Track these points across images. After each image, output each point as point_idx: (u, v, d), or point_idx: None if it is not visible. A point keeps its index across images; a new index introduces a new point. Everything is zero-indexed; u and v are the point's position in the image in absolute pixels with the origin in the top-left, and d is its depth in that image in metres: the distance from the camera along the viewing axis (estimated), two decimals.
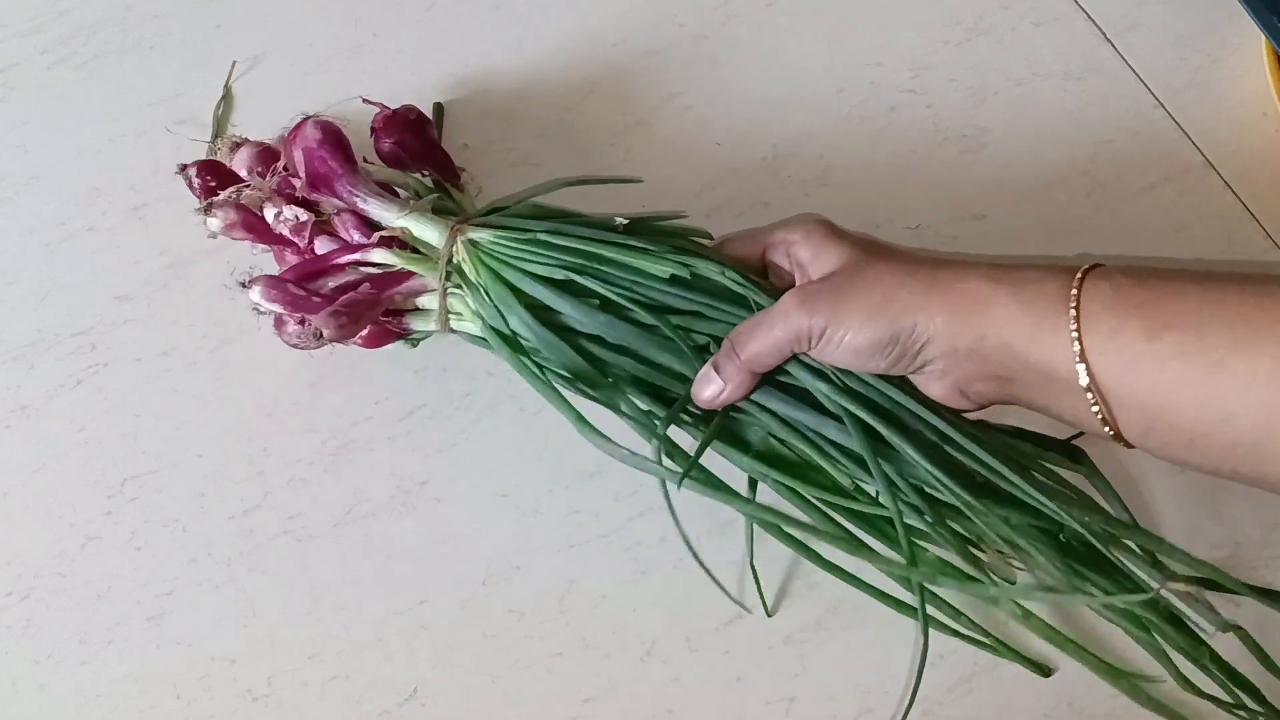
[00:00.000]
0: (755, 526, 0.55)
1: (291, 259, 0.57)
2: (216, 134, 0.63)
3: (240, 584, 0.57)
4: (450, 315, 0.55)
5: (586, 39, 0.67)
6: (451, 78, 0.65)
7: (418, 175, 0.59)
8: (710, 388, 0.51)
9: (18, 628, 0.56)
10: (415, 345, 0.59)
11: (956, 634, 0.54)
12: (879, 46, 0.67)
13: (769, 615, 0.56)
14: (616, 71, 0.66)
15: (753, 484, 0.54)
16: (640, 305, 0.52)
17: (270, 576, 0.57)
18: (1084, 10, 0.67)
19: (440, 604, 0.57)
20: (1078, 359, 0.44)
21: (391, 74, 0.65)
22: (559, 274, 0.53)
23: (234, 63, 0.65)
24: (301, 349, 0.56)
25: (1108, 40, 0.67)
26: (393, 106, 0.59)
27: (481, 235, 0.53)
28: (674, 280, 0.53)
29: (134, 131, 0.64)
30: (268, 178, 0.56)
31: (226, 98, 0.64)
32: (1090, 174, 0.64)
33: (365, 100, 0.59)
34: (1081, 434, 0.56)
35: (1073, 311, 0.45)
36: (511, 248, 0.53)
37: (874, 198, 0.64)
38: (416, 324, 0.56)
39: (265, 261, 0.59)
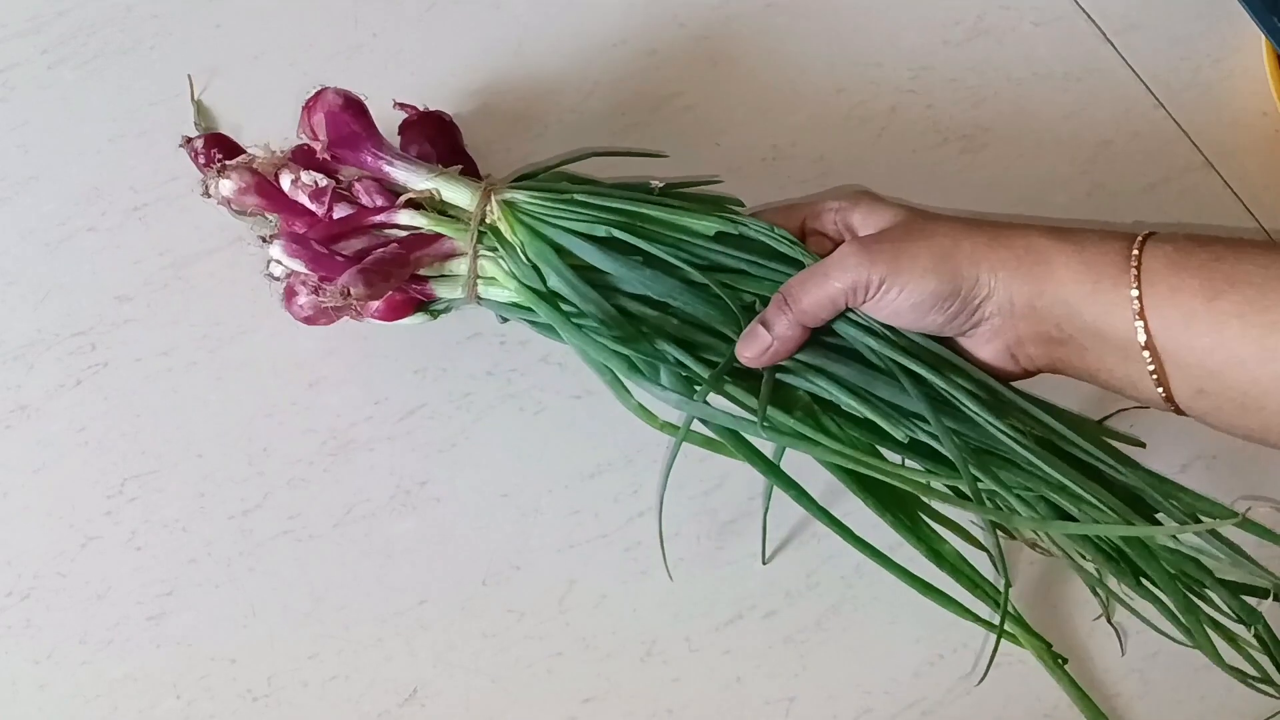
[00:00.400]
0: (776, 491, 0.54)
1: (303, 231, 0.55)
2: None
3: (240, 584, 0.57)
4: (479, 280, 0.54)
5: (586, 39, 0.66)
6: (451, 78, 0.65)
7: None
8: (756, 344, 0.50)
9: (18, 628, 0.56)
10: (436, 317, 0.57)
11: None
12: (879, 46, 0.67)
13: (764, 564, 0.57)
14: (616, 71, 0.66)
15: (780, 452, 0.54)
16: (686, 263, 0.52)
17: (270, 576, 0.57)
18: (1084, 10, 0.67)
19: (440, 604, 0.57)
20: (1136, 316, 0.45)
21: (391, 74, 0.65)
22: (600, 230, 0.52)
23: (189, 76, 0.64)
24: (313, 322, 0.54)
25: (1108, 40, 0.67)
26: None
27: (517, 195, 0.53)
28: (719, 238, 0.52)
29: (134, 131, 0.64)
30: (279, 151, 0.55)
31: (200, 111, 0.64)
32: (1090, 174, 0.64)
33: (398, 104, 0.59)
34: (1112, 415, 0.56)
35: (1134, 270, 0.45)
36: (549, 207, 0.52)
37: None
38: (442, 291, 0.55)
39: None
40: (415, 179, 0.53)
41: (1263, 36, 0.60)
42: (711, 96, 0.65)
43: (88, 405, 0.59)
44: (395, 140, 0.59)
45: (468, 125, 0.63)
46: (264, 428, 0.59)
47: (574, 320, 0.53)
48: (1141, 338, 0.45)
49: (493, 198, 0.53)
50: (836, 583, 0.55)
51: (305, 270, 0.52)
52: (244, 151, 0.56)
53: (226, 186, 0.53)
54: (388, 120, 0.58)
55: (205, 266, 0.62)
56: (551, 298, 0.53)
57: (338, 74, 0.65)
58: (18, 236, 0.62)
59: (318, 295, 0.51)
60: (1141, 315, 0.45)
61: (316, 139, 0.54)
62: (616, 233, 0.52)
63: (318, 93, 0.54)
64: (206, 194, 0.54)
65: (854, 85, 0.66)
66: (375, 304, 0.54)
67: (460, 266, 0.54)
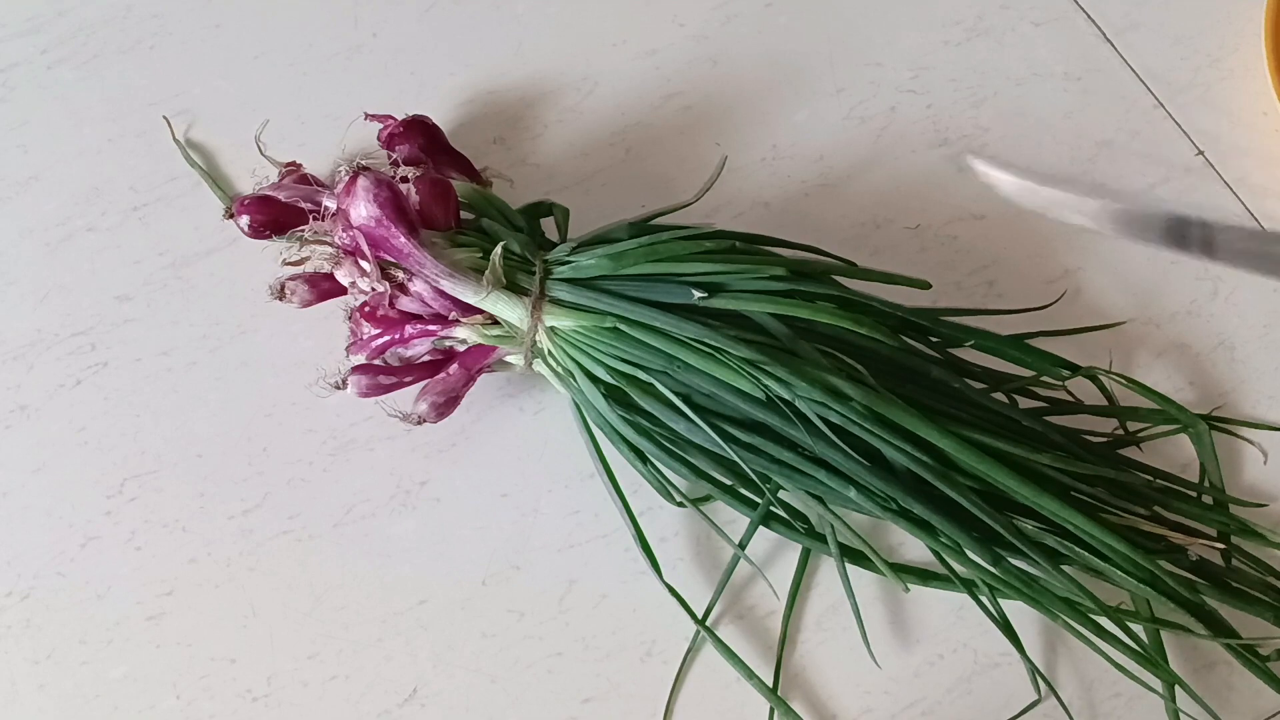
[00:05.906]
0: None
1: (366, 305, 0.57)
2: (217, 186, 0.62)
3: (240, 584, 0.57)
4: (534, 361, 0.56)
5: (586, 39, 0.67)
6: (451, 78, 0.65)
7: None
8: None
9: (18, 628, 0.56)
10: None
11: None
12: (879, 46, 0.67)
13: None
14: (616, 71, 0.66)
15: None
16: (724, 417, 0.53)
17: (270, 576, 0.57)
18: (1084, 10, 0.67)
19: (440, 604, 0.57)
20: None
21: (391, 74, 0.65)
22: (642, 375, 0.53)
23: (166, 118, 0.63)
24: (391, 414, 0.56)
25: (1108, 40, 0.67)
26: (392, 110, 0.59)
27: (561, 323, 0.53)
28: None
29: (134, 131, 0.64)
30: (323, 218, 0.55)
31: (185, 154, 0.63)
32: (1090, 174, 0.64)
33: (369, 116, 0.59)
34: (1125, 444, 0.57)
35: None
36: (590, 338, 0.53)
37: (874, 198, 0.64)
38: (498, 369, 0.57)
39: (266, 255, 0.59)
40: (465, 293, 0.54)
41: (1262, 36, 0.60)
42: (711, 96, 0.65)
43: (88, 405, 0.59)
44: (383, 152, 0.59)
45: (467, 125, 0.63)
46: (264, 428, 0.59)
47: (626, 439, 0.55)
48: None
49: (539, 325, 0.54)
50: (836, 582, 0.55)
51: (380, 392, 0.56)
52: (286, 210, 0.56)
53: (293, 301, 0.57)
54: (370, 131, 0.59)
55: (205, 266, 0.62)
56: (603, 423, 0.55)
57: (338, 74, 0.65)
58: (18, 236, 0.62)
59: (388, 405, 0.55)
60: None
61: (360, 250, 0.54)
62: (655, 382, 0.53)
63: (349, 181, 0.53)
64: (281, 297, 0.57)
65: (854, 85, 0.66)
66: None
67: (517, 359, 0.56)
